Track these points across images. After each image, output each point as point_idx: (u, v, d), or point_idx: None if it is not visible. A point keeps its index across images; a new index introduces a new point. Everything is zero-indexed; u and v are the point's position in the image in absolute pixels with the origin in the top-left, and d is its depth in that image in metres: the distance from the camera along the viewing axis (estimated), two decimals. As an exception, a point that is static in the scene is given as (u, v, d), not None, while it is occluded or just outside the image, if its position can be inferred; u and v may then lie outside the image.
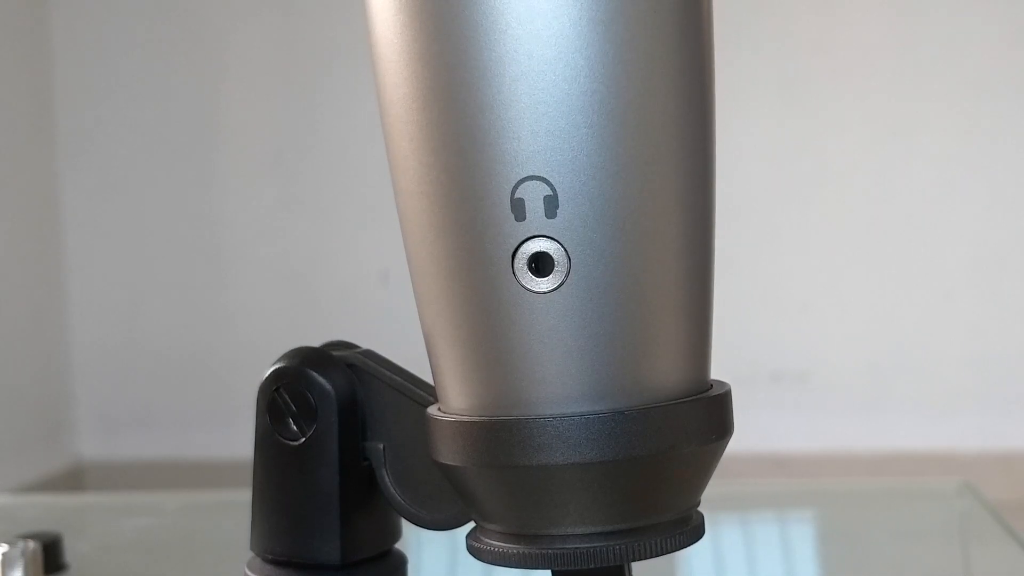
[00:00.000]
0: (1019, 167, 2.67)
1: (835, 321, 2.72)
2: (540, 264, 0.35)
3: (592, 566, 0.36)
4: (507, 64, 0.34)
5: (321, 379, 0.45)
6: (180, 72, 2.91)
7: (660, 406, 0.36)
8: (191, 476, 2.70)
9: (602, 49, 0.34)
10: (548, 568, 0.37)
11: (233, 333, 2.90)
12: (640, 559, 0.36)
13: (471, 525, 0.40)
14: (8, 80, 2.80)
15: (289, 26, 2.88)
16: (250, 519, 0.47)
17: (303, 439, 0.45)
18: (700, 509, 0.39)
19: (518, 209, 0.35)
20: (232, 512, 0.74)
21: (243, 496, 0.50)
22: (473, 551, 0.38)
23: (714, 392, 0.37)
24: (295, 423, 0.45)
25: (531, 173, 0.35)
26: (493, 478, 0.36)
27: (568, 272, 0.35)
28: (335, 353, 0.46)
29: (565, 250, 0.35)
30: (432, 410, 0.38)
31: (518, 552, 0.37)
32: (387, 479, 0.45)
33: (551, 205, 0.35)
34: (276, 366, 0.46)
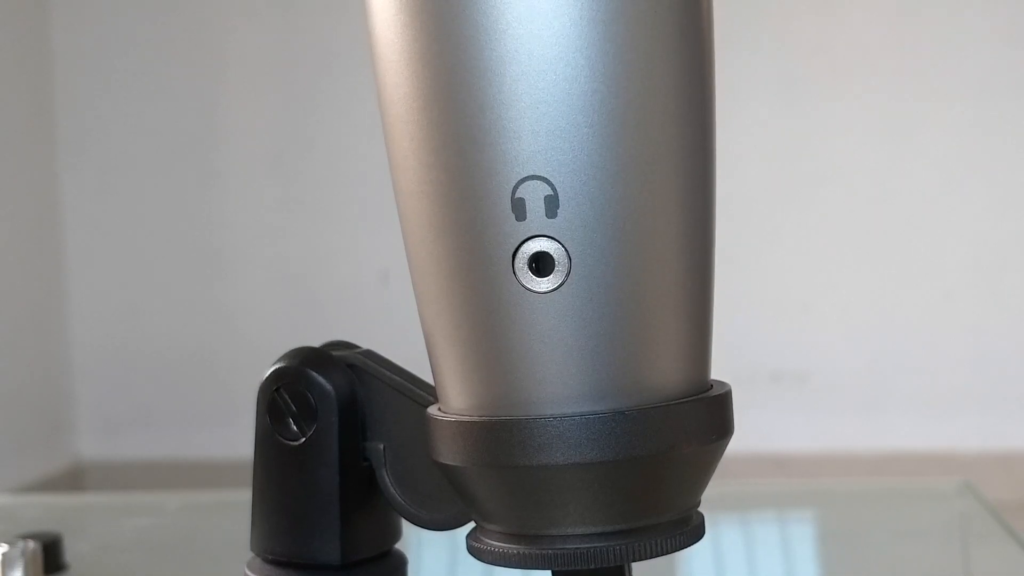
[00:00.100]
0: (1019, 167, 2.67)
1: (835, 321, 2.72)
2: (540, 264, 0.35)
3: (592, 566, 0.36)
4: (508, 64, 0.34)
5: (321, 379, 0.45)
6: (180, 72, 2.91)
7: (660, 406, 0.36)
8: (191, 476, 2.70)
9: (602, 49, 0.34)
10: (548, 568, 0.37)
11: (233, 333, 2.90)
12: (640, 559, 0.36)
13: (471, 525, 0.39)
14: (8, 80, 2.80)
15: (289, 26, 2.88)
16: (250, 519, 0.47)
17: (303, 439, 0.45)
18: (700, 509, 0.39)
19: (519, 209, 0.35)
20: (232, 512, 0.74)
21: (243, 496, 0.50)
22: (473, 551, 0.38)
23: (714, 392, 0.37)
24: (295, 423, 0.45)
25: (532, 173, 0.35)
26: (493, 478, 0.36)
27: (568, 272, 0.35)
28: (335, 353, 0.46)
29: (566, 250, 0.35)
30: (432, 410, 0.38)
31: (518, 552, 0.37)
32: (387, 479, 0.45)
33: (551, 205, 0.35)
34: (276, 366, 0.46)
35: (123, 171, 2.94)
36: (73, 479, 2.87)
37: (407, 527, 0.47)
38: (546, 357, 0.35)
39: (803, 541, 0.79)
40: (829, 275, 2.72)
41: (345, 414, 0.45)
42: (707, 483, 0.38)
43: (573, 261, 0.35)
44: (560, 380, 0.35)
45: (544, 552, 0.36)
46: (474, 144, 0.35)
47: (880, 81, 2.69)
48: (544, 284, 0.35)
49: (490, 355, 0.36)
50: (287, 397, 0.45)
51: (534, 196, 0.35)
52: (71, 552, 0.67)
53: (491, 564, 0.38)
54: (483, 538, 0.38)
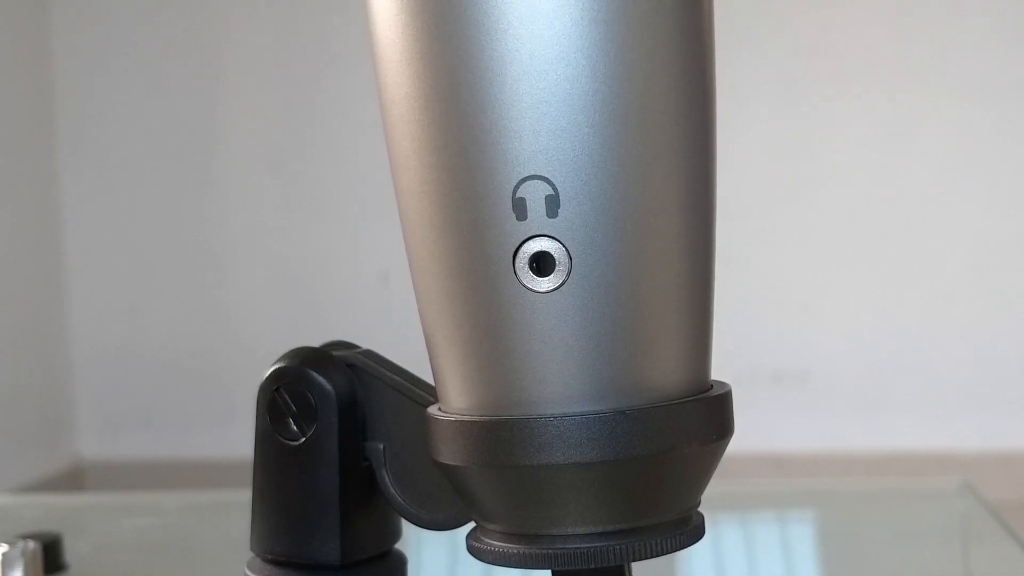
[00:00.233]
0: (1019, 167, 2.67)
1: (835, 321, 2.72)
2: (541, 264, 0.35)
3: (592, 566, 0.36)
4: (509, 64, 0.34)
5: (321, 379, 0.45)
6: (180, 72, 2.91)
7: (661, 406, 0.36)
8: (191, 476, 2.70)
9: (603, 49, 0.34)
10: (548, 568, 0.37)
11: (233, 333, 2.90)
12: (640, 559, 0.36)
13: (471, 525, 0.39)
14: (8, 80, 2.80)
15: (289, 26, 2.88)
16: (250, 519, 0.47)
17: (303, 439, 0.45)
18: (700, 509, 0.39)
19: (519, 208, 0.35)
20: (232, 512, 0.74)
21: (243, 496, 0.50)
22: (473, 551, 0.38)
23: (715, 392, 0.37)
24: (295, 423, 0.45)
25: (532, 172, 0.35)
26: (494, 478, 0.36)
27: (569, 272, 0.35)
28: (335, 353, 0.46)
29: (566, 249, 0.35)
30: (432, 410, 0.38)
31: (518, 552, 0.37)
32: (387, 479, 0.45)
33: (552, 204, 0.35)
34: (276, 366, 0.46)
35: (123, 171, 2.94)
36: (73, 479, 2.87)
37: (407, 527, 0.47)
38: (547, 357, 0.35)
39: (803, 541, 0.79)
40: (829, 275, 2.72)
41: (345, 414, 0.45)
42: (707, 483, 0.38)
43: (574, 261, 0.35)
44: (561, 380, 0.35)
45: (544, 552, 0.36)
46: (475, 144, 0.35)
47: (880, 81, 2.69)
48: (545, 284, 0.35)
49: (491, 355, 0.36)
50: (287, 397, 0.45)
51: (535, 196, 0.35)
52: (71, 552, 0.67)
53: (491, 564, 0.38)
54: (483, 538, 0.38)
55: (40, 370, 2.87)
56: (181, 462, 2.82)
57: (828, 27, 2.70)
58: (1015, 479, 2.51)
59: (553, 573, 0.38)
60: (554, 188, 0.34)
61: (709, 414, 0.37)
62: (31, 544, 0.60)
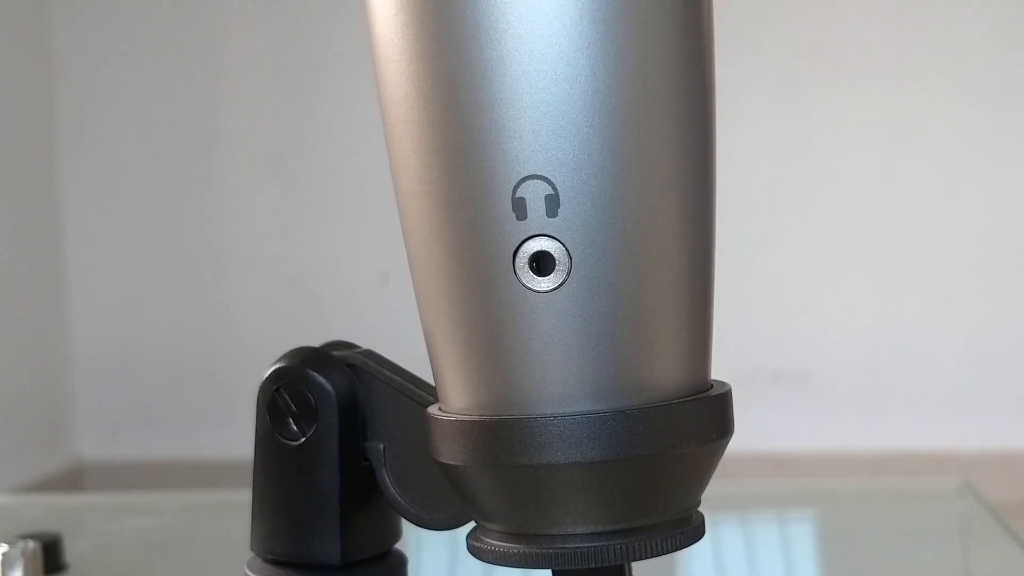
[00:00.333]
0: (1019, 167, 2.67)
1: (835, 321, 2.72)
2: (541, 263, 0.35)
3: (592, 566, 0.36)
4: (508, 63, 0.34)
5: (321, 379, 0.45)
6: (180, 72, 2.91)
7: (661, 406, 0.36)
8: (191, 476, 2.70)
9: (603, 48, 0.34)
10: (548, 568, 0.37)
11: (233, 333, 2.90)
12: (640, 559, 0.36)
13: (471, 525, 0.39)
14: (8, 80, 2.80)
15: (289, 26, 2.88)
16: (250, 519, 0.47)
17: (303, 439, 0.45)
18: (700, 509, 0.39)
19: (519, 208, 0.35)
20: (232, 512, 0.74)
21: (243, 496, 0.50)
22: (473, 551, 0.38)
23: (714, 392, 0.37)
24: (295, 423, 0.45)
25: (532, 172, 0.35)
26: (494, 477, 0.36)
27: (569, 271, 0.35)
28: (335, 353, 0.46)
29: (566, 249, 0.35)
30: (432, 410, 0.38)
31: (518, 552, 0.37)
32: (387, 479, 0.45)
33: (552, 204, 0.35)
34: (276, 366, 0.46)
35: (123, 171, 2.94)
36: (73, 479, 2.87)
37: (407, 527, 0.47)
38: (547, 356, 0.35)
39: (803, 541, 0.79)
40: (829, 275, 2.72)
41: (345, 414, 0.45)
42: (707, 483, 0.38)
43: (574, 260, 0.35)
44: (560, 379, 0.35)
45: (544, 551, 0.36)
46: (475, 143, 0.35)
47: (880, 81, 2.69)
48: (545, 283, 0.35)
49: (491, 354, 0.36)
50: (287, 397, 0.45)
51: (535, 195, 0.35)
52: (71, 552, 0.67)
53: (491, 563, 0.38)
54: (483, 537, 0.38)
55: (40, 370, 2.87)
56: (181, 462, 2.82)
57: (828, 27, 2.70)
58: (1015, 479, 2.51)
59: (553, 573, 0.38)
60: (554, 188, 0.34)
61: (709, 414, 0.37)
62: (31, 544, 0.60)
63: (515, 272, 0.35)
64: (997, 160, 2.67)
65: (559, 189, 0.34)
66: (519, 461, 0.35)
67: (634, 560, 0.36)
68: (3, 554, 0.58)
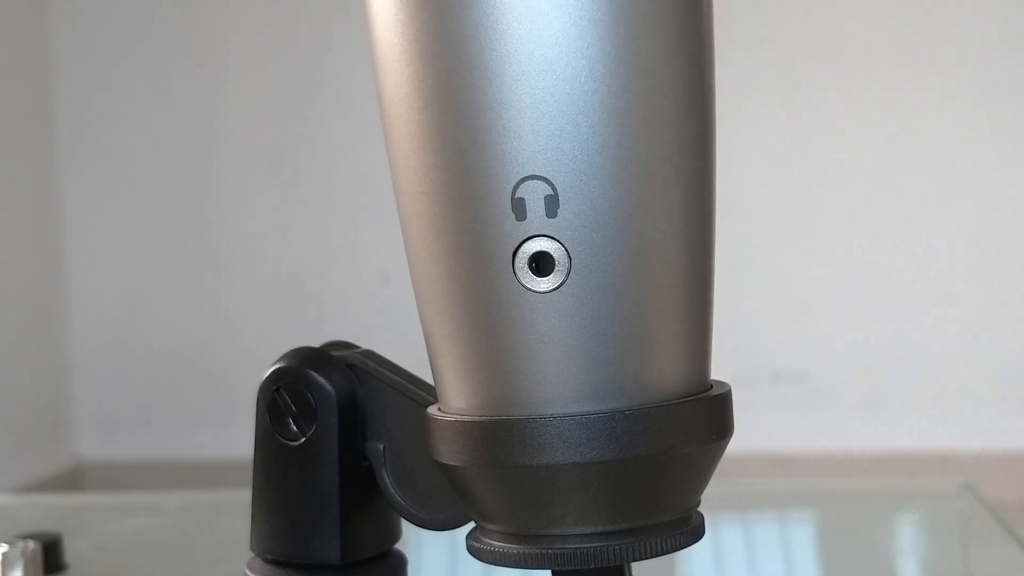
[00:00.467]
0: (1019, 167, 2.67)
1: (835, 321, 2.72)
2: (541, 264, 0.35)
3: (592, 566, 0.36)
4: (508, 64, 0.34)
5: (321, 379, 0.45)
6: (180, 72, 2.91)
7: (660, 406, 0.35)
8: (191, 476, 2.70)
9: (603, 49, 0.34)
10: (548, 568, 0.37)
11: (233, 333, 2.90)
12: (640, 559, 0.36)
13: (471, 525, 0.39)
14: (8, 80, 2.80)
15: (289, 26, 2.88)
16: (250, 519, 0.47)
17: (303, 439, 0.45)
18: (700, 509, 0.39)
19: (519, 208, 0.35)
20: (232, 512, 0.74)
21: (243, 496, 0.50)
22: (473, 551, 0.38)
23: (714, 392, 0.37)
24: (295, 423, 0.45)
25: (532, 172, 0.35)
26: (493, 478, 0.36)
27: (569, 272, 0.35)
28: (335, 353, 0.46)
29: (566, 250, 0.35)
30: (432, 410, 0.38)
31: (518, 552, 0.37)
32: (387, 479, 0.45)
33: (552, 205, 0.35)
34: (276, 366, 0.46)
35: (123, 171, 2.94)
36: (73, 479, 2.87)
37: (407, 527, 0.47)
38: (546, 357, 0.35)
39: (803, 541, 0.79)
40: (829, 275, 2.72)
41: (345, 414, 0.45)
42: (707, 483, 0.38)
43: (573, 261, 0.35)
44: (560, 380, 0.35)
45: (544, 552, 0.36)
46: (474, 144, 0.35)
47: (880, 81, 2.69)
48: (544, 284, 0.35)
49: (490, 355, 0.36)
50: (287, 397, 0.45)
51: (534, 196, 0.35)
52: (71, 552, 0.67)
53: (491, 564, 0.38)
54: (483, 538, 0.38)
55: (40, 370, 2.87)
56: (181, 462, 2.82)
57: (828, 27, 2.70)
58: (1015, 479, 2.51)
59: (553, 573, 0.38)
60: (553, 188, 0.34)
61: (709, 414, 0.37)
62: (31, 544, 0.60)
63: (515, 272, 0.35)
64: (997, 160, 2.67)
65: (559, 189, 0.34)
66: (519, 461, 0.35)
67: (634, 560, 0.36)
68: (3, 554, 0.58)
